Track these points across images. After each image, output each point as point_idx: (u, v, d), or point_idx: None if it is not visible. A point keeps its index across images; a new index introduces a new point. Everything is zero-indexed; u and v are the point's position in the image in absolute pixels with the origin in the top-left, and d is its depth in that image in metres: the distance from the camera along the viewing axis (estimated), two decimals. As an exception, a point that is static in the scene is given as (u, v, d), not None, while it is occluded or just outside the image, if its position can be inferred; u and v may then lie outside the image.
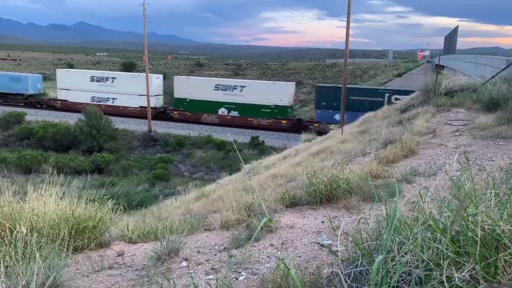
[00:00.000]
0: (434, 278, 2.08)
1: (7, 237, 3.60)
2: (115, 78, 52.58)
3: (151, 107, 49.12)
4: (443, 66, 38.82)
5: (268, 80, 65.83)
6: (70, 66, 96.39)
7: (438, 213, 2.41)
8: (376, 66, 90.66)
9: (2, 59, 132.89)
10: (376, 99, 39.65)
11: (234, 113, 47.35)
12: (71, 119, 45.57)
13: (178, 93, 48.74)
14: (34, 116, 49.58)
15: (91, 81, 52.53)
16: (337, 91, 43.51)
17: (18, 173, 28.81)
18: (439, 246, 2.14)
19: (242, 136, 40.72)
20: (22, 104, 54.53)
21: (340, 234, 3.79)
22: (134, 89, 49.71)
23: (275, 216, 4.73)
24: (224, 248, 4.13)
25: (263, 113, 45.69)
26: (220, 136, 41.71)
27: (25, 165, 31.51)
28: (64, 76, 54.52)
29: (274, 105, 45.17)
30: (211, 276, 3.40)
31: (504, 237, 2.04)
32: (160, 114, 49.73)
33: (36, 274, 2.83)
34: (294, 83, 53.35)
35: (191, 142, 42.29)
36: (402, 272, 2.22)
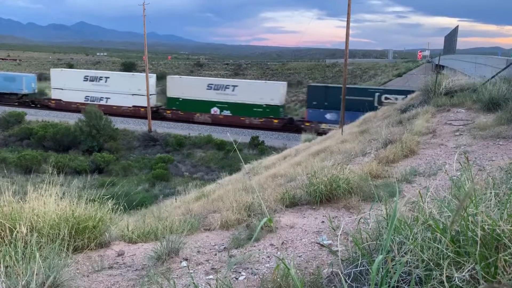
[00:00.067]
0: (434, 278, 2.08)
1: (7, 237, 3.60)
2: (108, 77, 52.97)
3: (144, 107, 49.60)
4: (443, 66, 38.82)
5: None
6: (70, 66, 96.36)
7: (438, 213, 2.41)
8: (376, 66, 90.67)
9: (2, 59, 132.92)
10: (366, 98, 40.10)
11: (227, 113, 47.73)
12: (71, 119, 45.61)
13: (171, 93, 49.10)
14: (34, 116, 49.62)
15: (84, 80, 52.94)
16: (328, 90, 43.90)
17: (18, 173, 28.82)
18: (439, 246, 2.14)
19: (242, 136, 40.76)
20: (17, 103, 54.88)
21: (340, 234, 3.79)
22: (127, 89, 50.15)
23: (275, 216, 4.73)
24: (224, 248, 4.13)
25: (255, 113, 46.06)
26: (220, 136, 41.73)
27: (25, 165, 31.51)
28: (58, 75, 54.89)
29: (266, 105, 45.54)
30: (211, 276, 3.40)
31: (504, 237, 2.04)
32: (153, 114, 50.08)
33: (36, 274, 2.83)
34: (285, 83, 53.74)
35: (191, 142, 42.31)
36: (402, 272, 2.22)
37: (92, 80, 52.67)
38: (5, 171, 25.34)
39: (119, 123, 45.63)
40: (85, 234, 4.14)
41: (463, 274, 2.01)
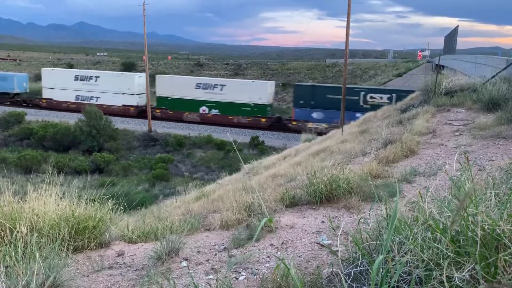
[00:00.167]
0: (434, 278, 2.08)
1: (7, 237, 3.60)
2: (98, 77, 53.40)
3: (133, 106, 49.81)
4: (443, 66, 38.80)
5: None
6: (70, 66, 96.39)
7: (438, 213, 2.41)
8: (376, 66, 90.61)
9: (2, 59, 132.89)
10: (351, 97, 40.44)
11: (215, 112, 48.09)
12: (71, 119, 45.64)
13: (160, 92, 49.41)
14: (34, 116, 49.68)
15: (75, 80, 53.37)
16: (315, 90, 44.40)
17: (18, 173, 28.81)
18: (439, 246, 2.14)
19: (242, 136, 40.80)
20: (8, 103, 55.27)
21: (340, 234, 3.79)
22: (117, 88, 50.58)
23: (275, 216, 4.73)
24: (224, 248, 4.13)
25: (243, 112, 46.40)
26: (220, 136, 41.75)
27: (25, 165, 31.51)
28: (49, 75, 55.26)
29: (254, 104, 45.89)
30: (211, 276, 3.40)
31: (504, 237, 2.04)
32: (143, 113, 50.62)
33: (36, 274, 2.83)
34: (273, 82, 54.06)
35: (191, 142, 42.33)
36: (402, 272, 2.22)
37: (83, 80, 53.16)
38: (5, 171, 25.34)
39: (119, 123, 45.67)
40: (85, 234, 4.14)
41: (463, 274, 2.01)
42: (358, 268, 2.52)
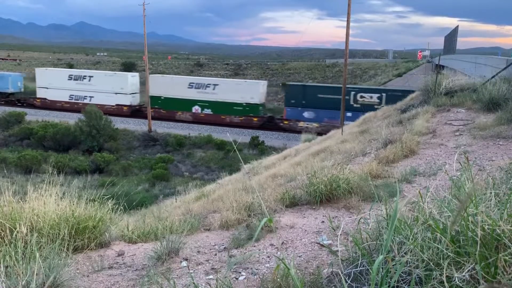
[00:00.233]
0: (434, 278, 2.08)
1: (7, 237, 3.60)
2: (92, 76, 53.71)
3: (126, 105, 50.00)
4: (443, 66, 38.80)
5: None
6: (70, 66, 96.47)
7: (438, 213, 2.41)
8: (376, 66, 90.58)
9: (2, 59, 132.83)
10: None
11: (208, 111, 48.36)
12: (71, 119, 45.66)
13: (153, 91, 49.52)
14: (34, 116, 49.71)
15: (69, 79, 53.70)
16: (306, 89, 44.94)
17: (18, 173, 28.81)
18: (439, 246, 2.14)
19: (242, 136, 40.83)
20: (3, 102, 55.51)
21: (340, 234, 3.79)
22: (110, 88, 50.93)
23: (275, 216, 4.73)
24: (224, 248, 4.13)
25: (235, 111, 46.67)
26: (220, 136, 41.77)
27: (25, 165, 31.51)
28: (42, 74, 55.54)
29: (246, 103, 46.12)
30: (211, 276, 3.40)
31: (504, 237, 2.04)
32: (136, 112, 50.90)
33: (36, 274, 2.83)
34: (266, 81, 54.42)
35: (191, 142, 42.34)
36: (402, 272, 2.22)
37: (76, 79, 53.51)
38: (5, 171, 25.34)
39: (119, 123, 45.69)
40: (85, 234, 4.14)
41: (463, 274, 2.01)
42: (358, 268, 2.52)
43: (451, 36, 53.87)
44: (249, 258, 3.64)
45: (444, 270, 2.02)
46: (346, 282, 2.46)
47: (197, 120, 48.16)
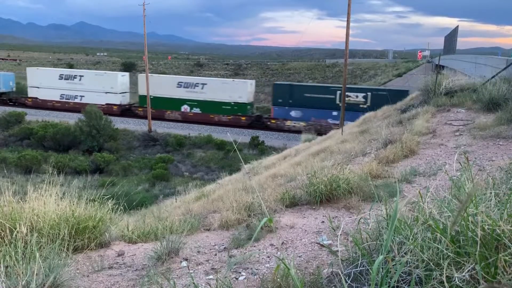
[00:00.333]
0: (434, 278, 2.08)
1: (7, 237, 3.60)
2: (82, 76, 53.97)
3: (116, 104, 50.12)
4: (443, 66, 38.80)
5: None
6: (70, 66, 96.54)
7: (438, 213, 2.41)
8: (376, 66, 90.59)
9: (2, 59, 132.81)
10: (328, 96, 41.84)
11: (196, 110, 48.60)
12: (71, 119, 45.69)
13: (142, 91, 49.59)
14: (34, 116, 49.72)
15: (59, 79, 53.97)
16: (293, 88, 45.52)
17: (18, 173, 28.80)
18: (439, 246, 2.14)
19: (242, 136, 40.85)
20: None
21: (340, 234, 3.79)
22: (101, 87, 51.22)
23: (275, 216, 4.73)
24: (224, 248, 4.13)
25: (223, 110, 46.96)
26: (220, 136, 41.79)
27: (25, 165, 31.51)
28: (34, 74, 55.73)
29: (234, 102, 46.41)
30: (211, 276, 3.40)
31: (504, 237, 2.04)
32: (125, 111, 51.04)
33: (36, 274, 2.83)
34: (254, 81, 54.54)
35: (191, 142, 42.35)
36: (402, 272, 2.22)
37: (67, 79, 53.80)
38: (5, 171, 25.34)
39: (119, 123, 45.72)
40: (85, 234, 4.14)
41: (463, 274, 2.01)
42: (358, 268, 2.52)
43: (451, 36, 53.88)
44: (249, 258, 3.64)
45: (444, 270, 2.02)
46: (346, 282, 2.46)
47: (186, 119, 48.48)
